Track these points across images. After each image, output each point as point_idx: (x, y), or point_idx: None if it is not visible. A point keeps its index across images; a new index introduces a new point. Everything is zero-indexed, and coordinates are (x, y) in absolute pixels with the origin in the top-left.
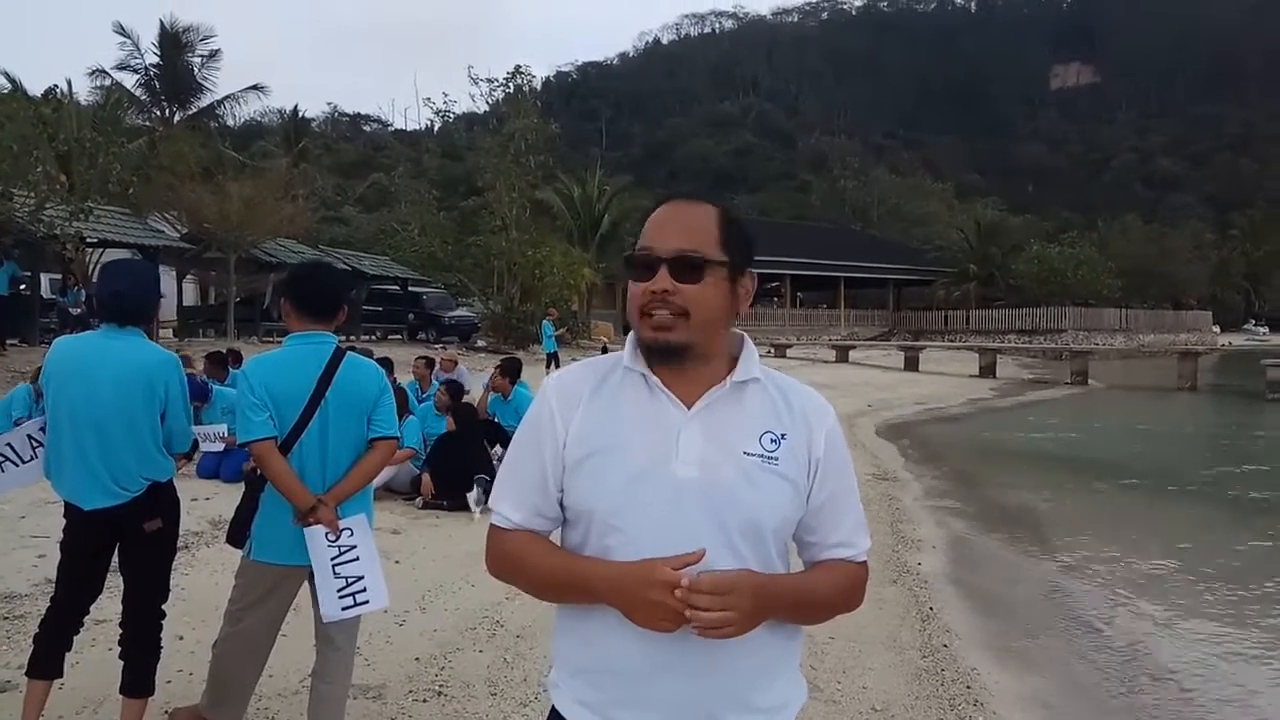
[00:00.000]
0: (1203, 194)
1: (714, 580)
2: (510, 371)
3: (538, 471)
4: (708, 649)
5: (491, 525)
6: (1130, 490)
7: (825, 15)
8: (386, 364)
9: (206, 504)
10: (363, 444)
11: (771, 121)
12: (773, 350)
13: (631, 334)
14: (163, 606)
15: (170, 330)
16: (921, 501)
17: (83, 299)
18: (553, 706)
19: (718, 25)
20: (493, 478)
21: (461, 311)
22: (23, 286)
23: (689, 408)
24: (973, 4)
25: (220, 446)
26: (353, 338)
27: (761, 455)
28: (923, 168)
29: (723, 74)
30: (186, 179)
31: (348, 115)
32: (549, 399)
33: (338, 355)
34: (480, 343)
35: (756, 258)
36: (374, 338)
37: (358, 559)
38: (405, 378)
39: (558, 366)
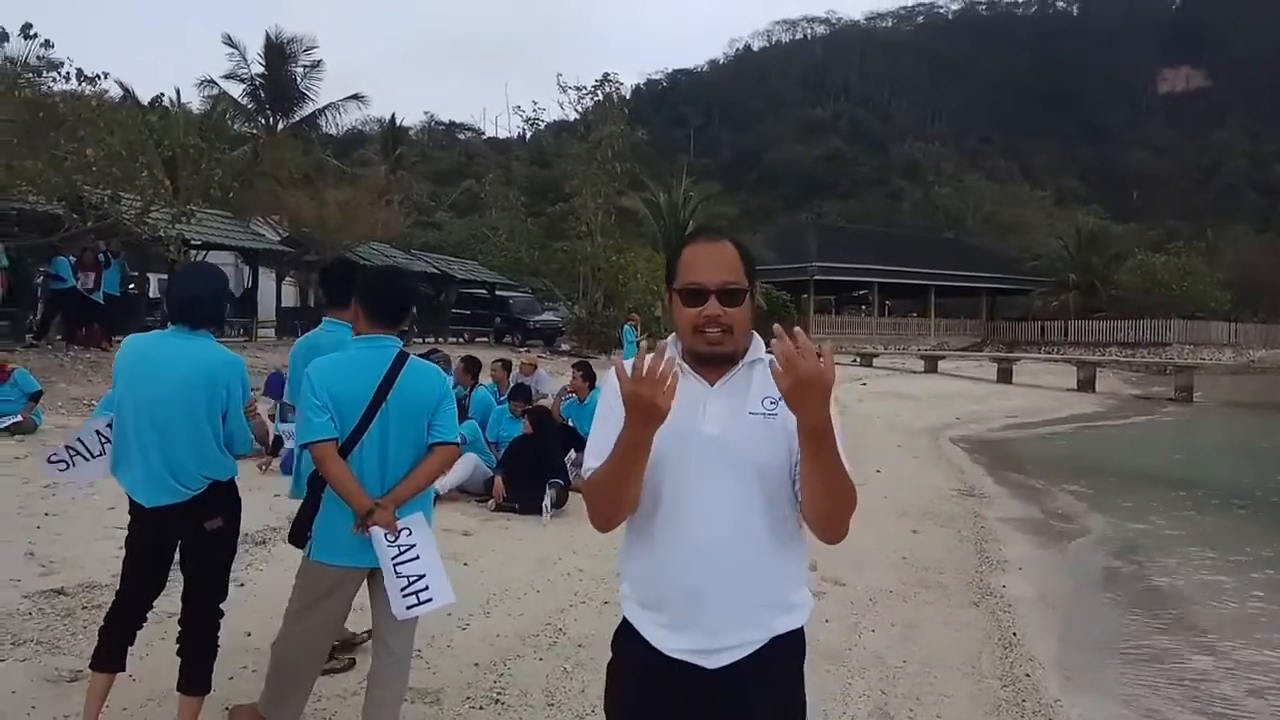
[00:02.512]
0: None
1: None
2: (589, 375)
3: (612, 428)
4: (746, 559)
5: (585, 481)
6: (1239, 517)
7: (920, 19)
8: (474, 365)
9: (289, 501)
10: (422, 449)
11: (863, 127)
12: (859, 359)
13: (673, 338)
14: (221, 605)
15: (272, 330)
16: (1009, 520)
17: None
18: (624, 617)
19: (809, 31)
20: (567, 483)
21: (546, 315)
22: (131, 286)
23: (712, 385)
24: (1074, 7)
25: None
26: (439, 339)
27: (762, 413)
28: (1020, 174)
29: (814, 79)
30: (287, 184)
31: (443, 124)
32: (613, 379)
33: (400, 359)
34: (564, 346)
35: (845, 264)
36: (462, 339)
37: (418, 557)
38: (487, 379)
39: None
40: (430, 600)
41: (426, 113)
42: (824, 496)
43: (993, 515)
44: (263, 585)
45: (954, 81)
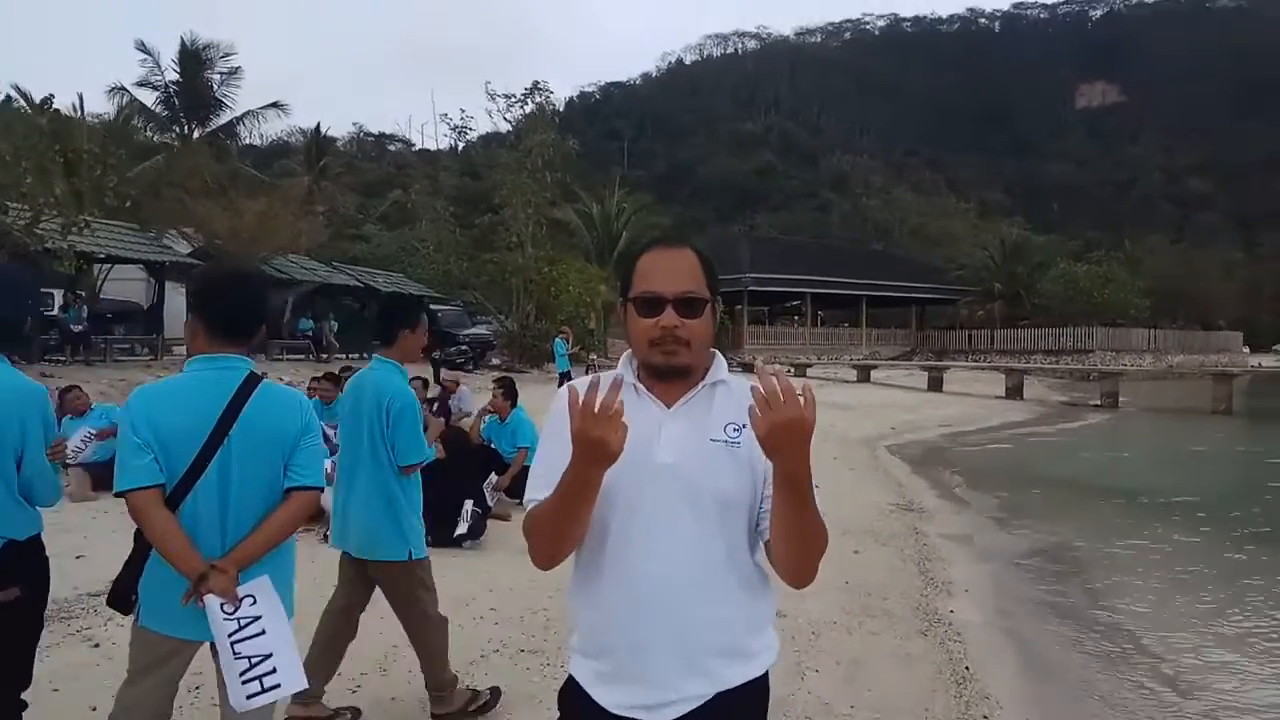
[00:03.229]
0: (1231, 213)
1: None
2: (510, 392)
3: (559, 455)
4: (700, 603)
5: (527, 512)
6: (1181, 525)
7: (848, 35)
8: (423, 383)
9: None
10: (276, 494)
11: (794, 141)
12: (792, 370)
13: (627, 356)
14: (23, 695)
15: (183, 348)
16: (951, 536)
17: (85, 316)
18: (569, 674)
19: (740, 45)
20: (485, 511)
21: (476, 329)
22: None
23: (669, 407)
24: (997, 24)
25: None
26: (364, 355)
27: (725, 440)
28: (946, 187)
29: (745, 94)
30: (198, 194)
31: (372, 135)
32: (563, 401)
33: (249, 383)
34: (494, 361)
35: (778, 275)
36: None
37: (263, 633)
38: None
39: None
40: (277, 686)
41: (355, 124)
42: (798, 544)
43: (933, 531)
44: (121, 646)
45: (881, 96)
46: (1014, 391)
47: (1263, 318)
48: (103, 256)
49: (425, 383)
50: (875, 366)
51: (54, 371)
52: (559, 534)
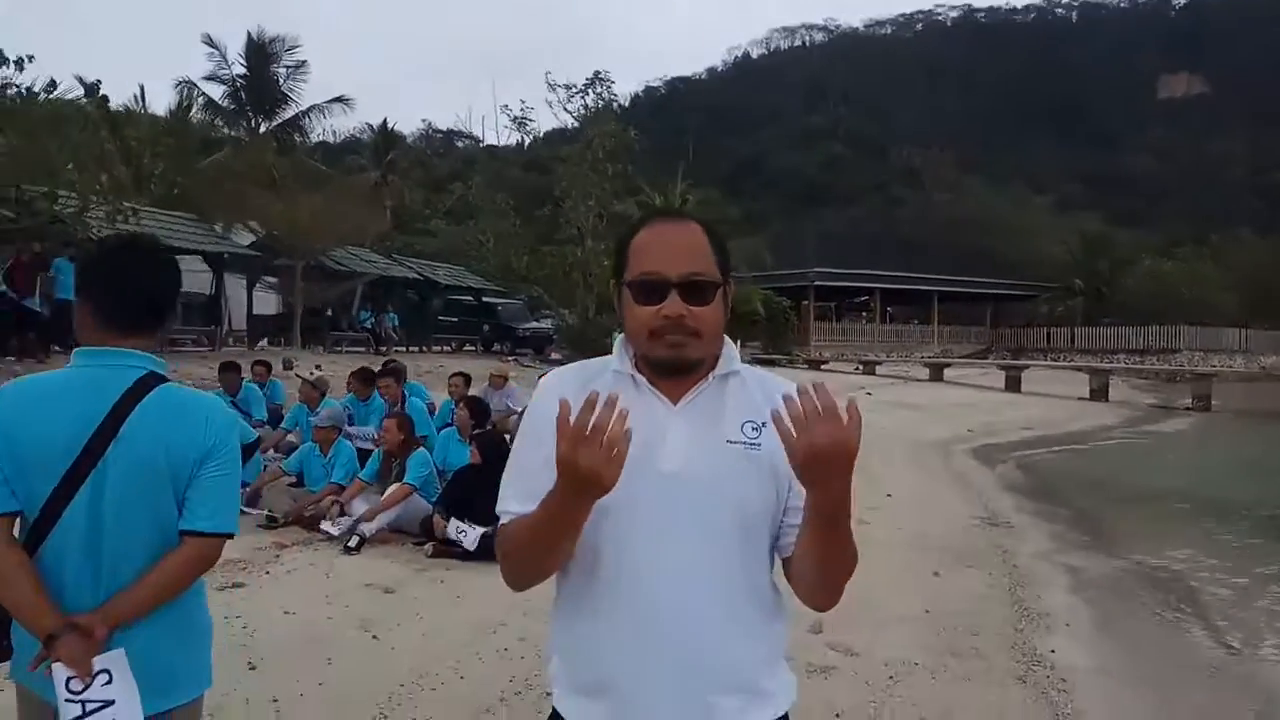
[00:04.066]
0: None
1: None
2: None
3: (539, 461)
4: (710, 635)
5: (500, 526)
6: None
7: (920, 26)
8: (465, 379)
9: None
10: (168, 535)
11: (862, 134)
12: (860, 367)
13: (620, 340)
14: None
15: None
16: (1044, 557)
17: None
18: (553, 707)
19: (808, 38)
20: None
21: (536, 323)
22: None
23: (675, 404)
24: (1074, 14)
25: None
26: (424, 348)
27: (744, 442)
28: (1021, 180)
29: (813, 87)
30: (257, 186)
31: (441, 131)
32: (546, 394)
33: (140, 388)
34: (555, 355)
35: (845, 270)
36: (448, 348)
37: None
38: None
39: None
40: None
41: (424, 120)
42: (826, 571)
43: (1024, 551)
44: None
45: (953, 88)
46: (1099, 393)
47: None
48: (160, 248)
49: (466, 378)
50: (948, 365)
51: None
52: (535, 564)
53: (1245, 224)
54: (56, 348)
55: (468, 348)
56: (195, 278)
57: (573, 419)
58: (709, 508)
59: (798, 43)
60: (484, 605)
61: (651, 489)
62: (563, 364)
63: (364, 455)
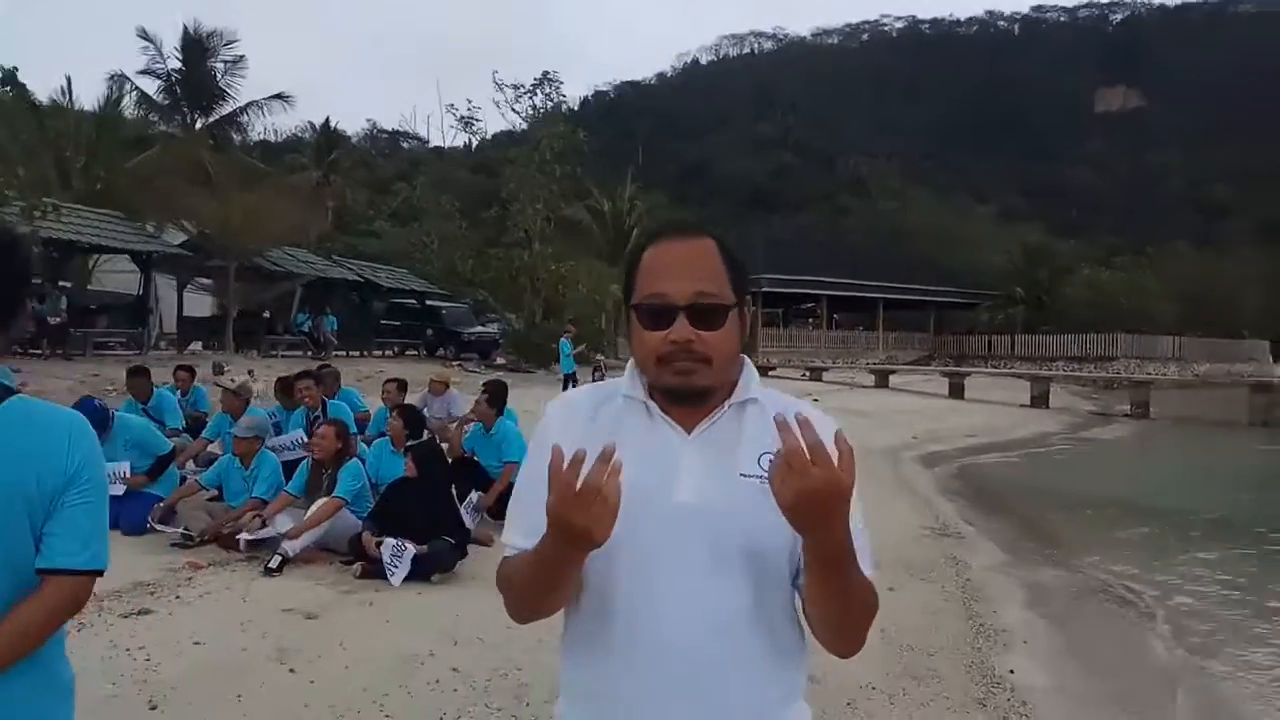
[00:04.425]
0: (1255, 220)
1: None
2: (497, 398)
3: (543, 495)
4: (726, 674)
5: (503, 559)
6: (1247, 556)
7: (866, 37)
8: (401, 385)
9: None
10: (19, 576)
11: (810, 142)
12: (808, 374)
13: (631, 366)
14: None
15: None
16: (997, 569)
17: (63, 307)
18: None
19: (757, 46)
20: (462, 540)
21: (481, 328)
22: None
23: (689, 433)
24: (1016, 26)
25: (121, 489)
26: (365, 353)
27: (759, 476)
28: (964, 190)
29: (761, 94)
30: (189, 183)
31: (386, 132)
32: (551, 421)
33: None
34: (500, 360)
35: (792, 277)
36: (391, 353)
37: None
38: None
39: (575, 387)
40: None
41: (368, 120)
42: (836, 618)
43: (975, 563)
44: None
45: (899, 98)
46: (1039, 399)
47: None
48: (85, 245)
49: (402, 385)
50: (894, 371)
51: (25, 366)
52: (535, 603)
53: (1181, 236)
54: None
55: (410, 352)
56: (123, 278)
57: (565, 466)
58: (721, 543)
59: (746, 50)
60: (413, 632)
61: (662, 522)
62: (508, 370)
63: (290, 469)
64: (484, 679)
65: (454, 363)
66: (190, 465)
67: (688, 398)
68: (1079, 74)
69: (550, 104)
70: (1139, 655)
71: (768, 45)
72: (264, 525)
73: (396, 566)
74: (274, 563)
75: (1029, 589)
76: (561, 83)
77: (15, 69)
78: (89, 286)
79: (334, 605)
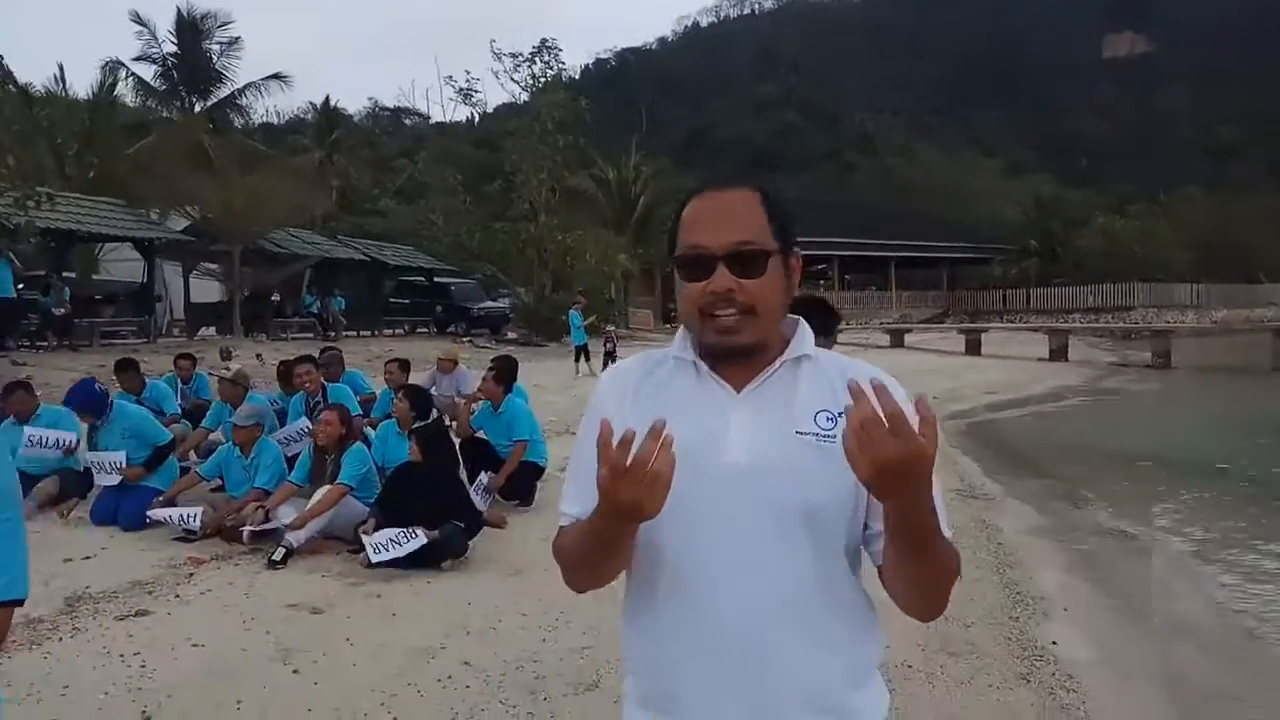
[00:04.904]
0: (1265, 162)
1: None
2: (505, 375)
3: (595, 471)
4: (784, 643)
5: (559, 529)
6: None
7: None
8: (403, 365)
9: (82, 567)
10: None
11: (814, 101)
12: None
13: (682, 328)
14: None
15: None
16: (1029, 531)
17: (67, 298)
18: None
19: (757, 6)
20: (472, 524)
21: (490, 303)
22: (20, 286)
23: (739, 391)
24: None
25: (116, 479)
26: (374, 331)
27: (816, 434)
28: (971, 144)
29: (763, 55)
30: (189, 168)
31: (389, 109)
32: (602, 390)
33: None
34: (511, 335)
35: (801, 239)
36: (401, 331)
37: None
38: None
39: (587, 360)
40: None
41: (370, 99)
42: (921, 586)
43: (1007, 526)
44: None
45: (902, 54)
46: (1058, 353)
47: None
48: (85, 234)
49: (404, 364)
50: (909, 330)
51: (30, 359)
52: (589, 572)
53: (1193, 181)
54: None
55: (421, 330)
56: (131, 267)
57: (615, 444)
58: (776, 504)
59: (747, 10)
60: (423, 624)
61: (714, 484)
62: (519, 344)
63: (295, 459)
64: (498, 673)
65: (464, 339)
66: (193, 456)
67: (736, 355)
68: (1085, 21)
69: (550, 73)
70: (1186, 621)
71: (768, 4)
72: (267, 517)
73: (384, 550)
74: (278, 555)
75: (1064, 552)
76: (560, 50)
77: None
78: (95, 276)
79: (340, 598)
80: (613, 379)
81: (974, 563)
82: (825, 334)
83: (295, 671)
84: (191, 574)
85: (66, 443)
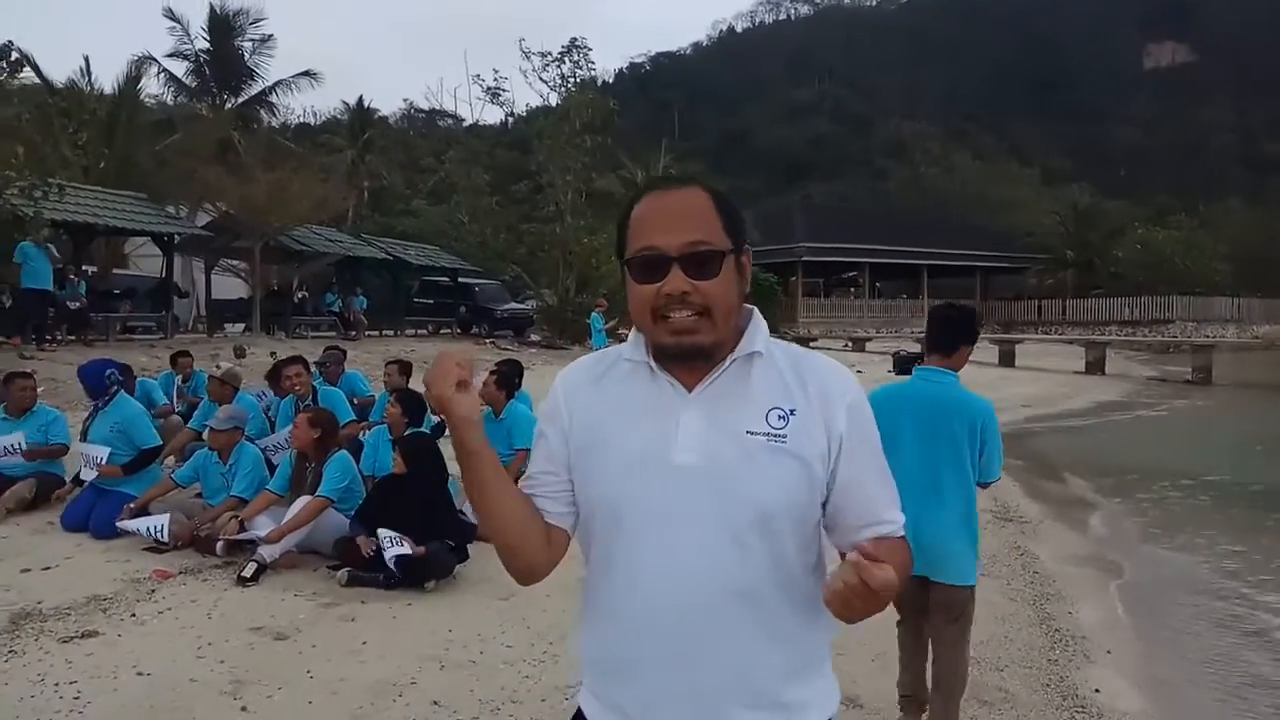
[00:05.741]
0: None
1: (883, 575)
2: (507, 379)
3: (539, 456)
4: (720, 646)
5: None
6: None
7: None
8: (404, 367)
9: (39, 579)
10: None
11: (848, 108)
12: (850, 344)
13: (634, 330)
14: None
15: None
16: (1068, 559)
17: (83, 292)
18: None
19: (793, 11)
20: (461, 540)
21: (514, 305)
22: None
23: (690, 391)
24: None
25: (91, 474)
26: (397, 331)
27: (767, 434)
28: (1007, 153)
29: (798, 61)
30: (213, 164)
31: (424, 111)
32: (557, 389)
33: None
34: (534, 337)
35: (833, 245)
36: (425, 331)
37: None
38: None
39: None
40: None
41: (405, 100)
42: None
43: (1044, 554)
44: None
45: (938, 61)
46: (1095, 366)
47: None
48: (103, 228)
49: (404, 367)
50: None
51: (39, 354)
52: (487, 521)
53: (1233, 193)
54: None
55: (444, 331)
56: (158, 262)
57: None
58: (726, 505)
59: (782, 16)
60: (395, 654)
61: (662, 484)
62: (542, 346)
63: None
64: (470, 714)
65: (488, 340)
66: (171, 460)
67: (694, 358)
68: (1125, 30)
69: (579, 73)
70: (1245, 668)
71: (803, 10)
72: (243, 527)
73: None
74: (249, 571)
75: (1107, 584)
76: (590, 49)
77: (10, 42)
78: (118, 271)
79: (310, 622)
80: (567, 379)
81: (1007, 594)
82: (969, 342)
83: (244, 709)
84: (154, 590)
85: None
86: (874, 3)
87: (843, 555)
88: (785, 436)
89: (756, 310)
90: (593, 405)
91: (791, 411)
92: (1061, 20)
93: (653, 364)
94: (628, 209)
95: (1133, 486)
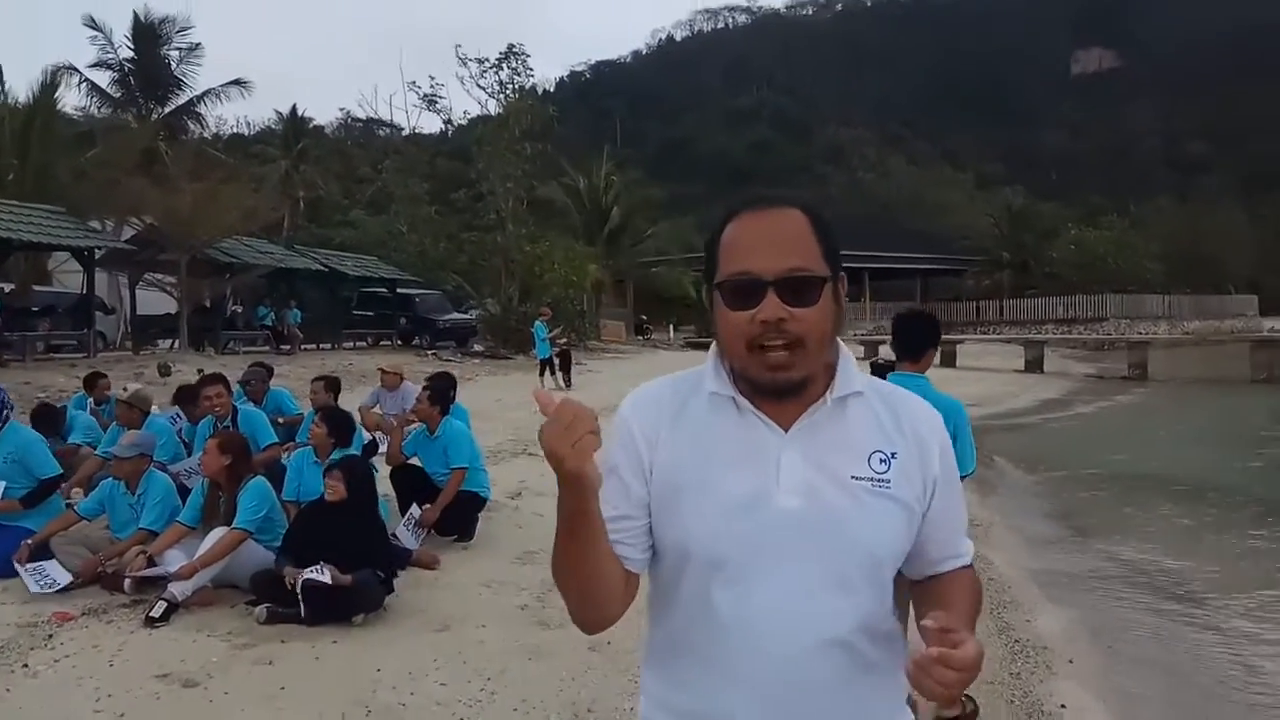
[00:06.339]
0: (1231, 176)
1: (967, 656)
2: (440, 395)
3: (623, 494)
4: (825, 695)
5: None
6: None
7: (839, 7)
8: (330, 383)
9: None
10: None
11: (787, 115)
12: None
13: (714, 355)
14: None
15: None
16: (1022, 565)
17: None
18: None
19: (731, 20)
20: (389, 572)
21: (457, 315)
22: None
23: (785, 430)
24: None
25: None
26: (334, 345)
27: (872, 479)
28: (941, 158)
29: (737, 69)
30: (137, 175)
31: (361, 121)
32: (630, 423)
33: None
34: (477, 347)
35: None
36: (364, 344)
37: None
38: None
39: (553, 373)
40: None
41: (341, 109)
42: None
43: (999, 560)
44: None
45: (874, 68)
46: (1034, 364)
47: (1273, 281)
48: (18, 243)
49: (331, 383)
50: (883, 341)
51: None
52: (568, 576)
53: (1161, 193)
54: None
55: (384, 343)
56: (78, 278)
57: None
58: (834, 549)
59: (720, 25)
60: (315, 701)
61: (768, 529)
62: (485, 356)
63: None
64: None
65: (429, 351)
66: (76, 491)
67: (788, 394)
68: (1053, 37)
69: (518, 79)
70: (1209, 676)
71: (742, 19)
72: (152, 562)
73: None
74: (158, 611)
75: (1063, 589)
76: (528, 56)
77: None
78: (38, 287)
79: (222, 666)
80: (640, 410)
81: None
82: (933, 345)
83: None
84: (52, 634)
85: None
86: (810, 11)
87: (912, 582)
88: (889, 481)
89: (843, 344)
90: (677, 444)
91: (893, 455)
92: (992, 28)
93: (739, 399)
94: (719, 229)
95: (1085, 484)
